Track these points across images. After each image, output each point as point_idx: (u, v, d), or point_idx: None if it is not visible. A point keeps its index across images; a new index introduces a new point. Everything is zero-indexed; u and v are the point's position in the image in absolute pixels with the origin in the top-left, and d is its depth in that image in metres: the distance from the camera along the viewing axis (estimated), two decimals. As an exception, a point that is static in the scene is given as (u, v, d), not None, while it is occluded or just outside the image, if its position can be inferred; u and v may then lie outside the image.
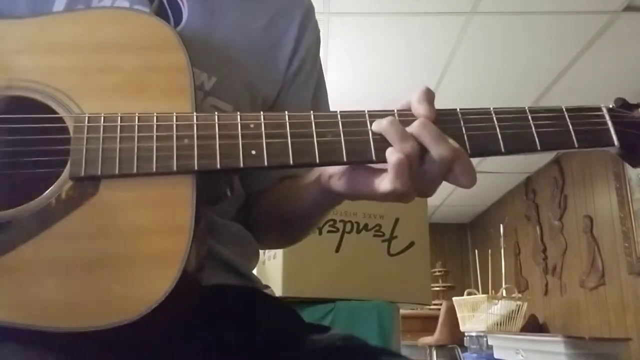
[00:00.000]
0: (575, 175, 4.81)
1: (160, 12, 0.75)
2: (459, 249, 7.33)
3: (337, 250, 1.86)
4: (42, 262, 0.54)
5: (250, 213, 0.87)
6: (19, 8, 0.73)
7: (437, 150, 0.59)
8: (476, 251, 5.21)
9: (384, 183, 0.60)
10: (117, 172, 0.56)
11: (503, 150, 0.63)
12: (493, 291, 4.33)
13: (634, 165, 0.66)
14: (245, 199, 0.87)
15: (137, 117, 0.59)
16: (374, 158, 0.61)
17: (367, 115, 0.62)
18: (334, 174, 0.66)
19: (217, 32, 0.79)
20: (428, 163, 0.59)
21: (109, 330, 0.51)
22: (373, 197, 0.63)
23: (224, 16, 0.80)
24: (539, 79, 3.62)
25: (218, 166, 0.58)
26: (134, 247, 0.55)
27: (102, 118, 0.59)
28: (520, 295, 4.42)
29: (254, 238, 0.87)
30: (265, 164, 0.59)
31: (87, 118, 0.59)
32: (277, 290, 1.77)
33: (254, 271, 0.87)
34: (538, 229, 5.43)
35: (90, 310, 0.52)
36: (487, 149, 0.63)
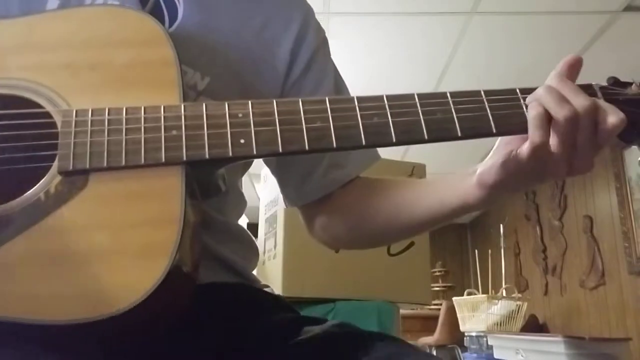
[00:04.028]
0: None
1: (156, 10, 0.75)
2: (459, 249, 7.33)
3: (337, 250, 1.86)
4: (32, 256, 0.54)
5: (317, 223, 0.87)
6: (12, 8, 0.73)
7: (577, 98, 0.61)
8: (476, 251, 5.20)
9: (524, 146, 0.63)
10: (105, 165, 0.56)
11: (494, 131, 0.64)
12: (493, 291, 4.32)
13: (628, 142, 0.67)
14: (305, 214, 0.88)
15: (124, 110, 0.59)
16: (363, 143, 0.61)
17: (355, 101, 0.63)
18: (482, 172, 0.69)
19: (212, 32, 0.78)
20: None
21: (101, 322, 0.51)
22: (521, 169, 0.64)
23: (219, 16, 0.79)
24: (539, 79, 3.57)
25: (207, 156, 0.58)
26: (125, 238, 0.55)
27: (90, 112, 0.59)
28: (520, 295, 4.40)
29: (333, 244, 0.89)
30: (255, 152, 0.59)
31: (74, 112, 0.59)
32: (277, 290, 1.77)
33: (254, 272, 0.87)
34: (538, 229, 5.43)
35: (80, 302, 0.52)
36: (478, 132, 0.64)
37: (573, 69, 0.68)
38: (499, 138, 0.69)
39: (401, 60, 3.40)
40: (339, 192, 0.83)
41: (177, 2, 0.77)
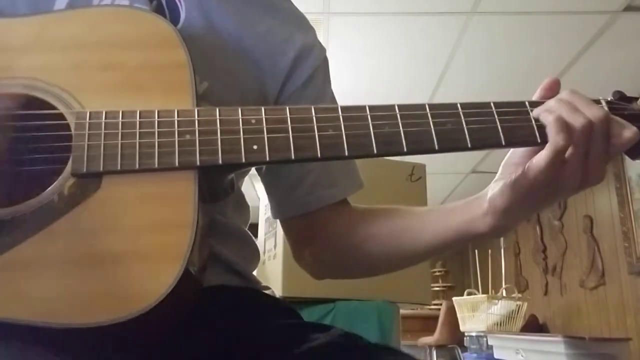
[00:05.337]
0: (575, 175, 4.80)
1: (158, 13, 0.75)
2: (459, 249, 7.33)
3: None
4: (45, 258, 0.53)
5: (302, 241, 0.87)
6: (19, 8, 0.73)
7: (591, 110, 0.61)
8: (476, 251, 5.21)
9: (540, 155, 0.62)
10: (119, 168, 0.56)
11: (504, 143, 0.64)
12: (493, 291, 4.32)
13: (634, 158, 0.67)
14: (293, 235, 0.88)
15: (138, 113, 0.59)
16: (375, 151, 0.61)
17: (367, 109, 0.63)
18: (493, 197, 0.68)
19: (213, 36, 0.78)
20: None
21: (112, 327, 0.51)
22: (535, 184, 0.63)
23: (221, 20, 0.79)
24: (539, 79, 3.57)
25: (220, 161, 0.58)
26: (137, 242, 0.55)
27: (104, 114, 0.59)
28: (520, 295, 4.41)
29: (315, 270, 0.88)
30: (267, 159, 0.59)
31: (88, 114, 0.59)
32: (277, 290, 1.77)
33: (254, 272, 0.88)
34: (538, 228, 5.43)
35: (93, 306, 0.52)
36: (487, 144, 0.64)
37: (551, 91, 0.69)
38: (504, 160, 0.70)
39: (401, 60, 3.40)
40: (328, 216, 0.82)
41: (179, 5, 0.77)
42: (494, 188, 0.68)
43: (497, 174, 0.70)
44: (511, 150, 0.70)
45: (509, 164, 0.69)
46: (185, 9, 0.77)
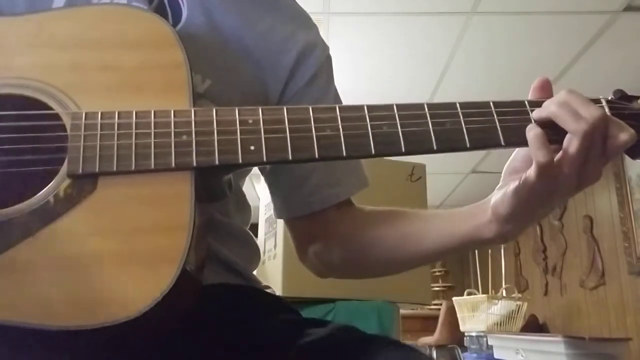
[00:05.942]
0: (576, 175, 4.80)
1: (160, 11, 0.75)
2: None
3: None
4: (40, 260, 0.53)
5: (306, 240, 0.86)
6: (18, 6, 0.72)
7: (589, 110, 0.60)
8: (476, 251, 5.21)
9: (531, 169, 0.62)
10: (115, 169, 0.56)
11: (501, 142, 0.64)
12: (493, 291, 4.32)
13: (634, 157, 0.67)
14: (296, 233, 0.87)
15: (134, 114, 0.59)
16: (373, 152, 0.61)
17: (365, 109, 0.63)
18: (496, 204, 0.68)
19: (215, 35, 0.77)
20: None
21: (109, 329, 0.51)
22: (533, 192, 0.63)
23: (223, 19, 0.79)
24: (539, 79, 3.60)
25: (217, 162, 0.58)
26: (133, 244, 0.54)
27: (100, 115, 0.58)
28: (520, 295, 4.41)
29: (322, 269, 0.87)
30: (264, 159, 0.59)
31: (84, 115, 0.58)
32: (277, 290, 1.77)
33: (254, 272, 0.87)
34: (538, 228, 5.43)
35: (90, 308, 0.52)
36: (486, 144, 0.64)
37: (544, 90, 0.68)
38: (505, 167, 0.70)
39: (401, 60, 3.39)
40: (333, 216, 0.82)
41: (181, 3, 0.77)
42: (497, 195, 0.68)
43: (500, 182, 0.70)
44: (512, 156, 0.70)
45: (510, 170, 0.69)
46: (187, 7, 0.77)
